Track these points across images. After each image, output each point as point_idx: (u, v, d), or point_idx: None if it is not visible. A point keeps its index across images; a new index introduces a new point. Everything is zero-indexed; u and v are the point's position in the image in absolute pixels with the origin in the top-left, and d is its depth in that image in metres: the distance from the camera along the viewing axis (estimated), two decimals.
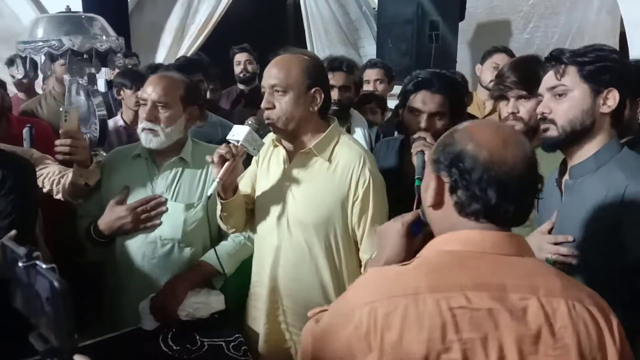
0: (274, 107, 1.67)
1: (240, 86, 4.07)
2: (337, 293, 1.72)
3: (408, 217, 1.21)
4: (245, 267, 2.00)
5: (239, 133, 1.66)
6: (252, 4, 6.72)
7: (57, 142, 1.92)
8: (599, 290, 1.39)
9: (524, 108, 1.88)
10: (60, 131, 1.94)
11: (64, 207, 2.18)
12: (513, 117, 1.90)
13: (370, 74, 3.35)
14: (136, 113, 3.09)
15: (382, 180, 1.75)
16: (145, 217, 1.90)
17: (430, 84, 1.94)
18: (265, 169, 1.84)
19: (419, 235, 1.21)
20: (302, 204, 1.73)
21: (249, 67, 4.04)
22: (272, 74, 1.68)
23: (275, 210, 1.77)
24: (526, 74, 1.86)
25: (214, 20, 6.09)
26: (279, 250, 1.77)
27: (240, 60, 4.04)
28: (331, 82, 2.26)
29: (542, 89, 1.53)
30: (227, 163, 1.64)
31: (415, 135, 1.90)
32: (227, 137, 1.69)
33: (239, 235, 2.01)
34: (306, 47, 6.60)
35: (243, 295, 1.98)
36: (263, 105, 1.68)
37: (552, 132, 1.48)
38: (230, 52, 4.13)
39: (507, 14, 4.72)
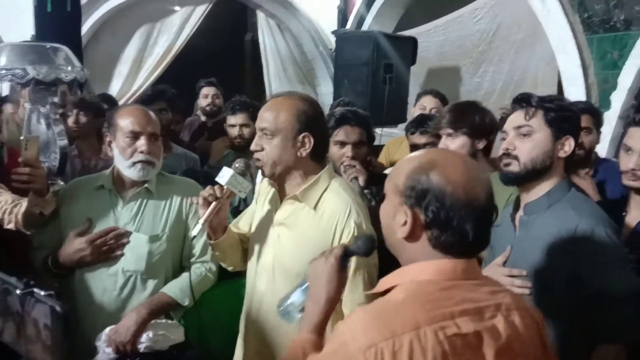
0: (262, 149, 1.66)
1: (204, 119, 4.11)
2: None
3: (337, 251, 1.25)
4: (206, 299, 2.01)
5: (223, 176, 1.66)
6: (210, 38, 6.82)
7: (15, 170, 1.90)
8: (558, 316, 1.53)
9: (452, 145, 2.13)
10: (19, 159, 1.92)
11: (16, 237, 2.13)
12: None
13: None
14: (89, 140, 3.08)
15: (370, 233, 1.69)
16: (106, 249, 1.88)
17: (349, 120, 2.29)
18: (261, 208, 1.83)
19: (347, 265, 1.26)
20: (286, 251, 1.70)
21: (216, 101, 4.10)
22: (263, 117, 1.67)
23: (263, 254, 1.76)
24: (456, 115, 2.15)
25: (173, 53, 6.13)
26: (264, 296, 1.75)
27: (208, 94, 4.11)
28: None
29: (507, 127, 1.67)
30: (211, 205, 1.64)
31: (346, 164, 2.25)
32: (216, 179, 1.68)
33: (200, 266, 2.02)
34: (263, 84, 6.74)
35: (203, 327, 1.98)
36: (252, 147, 1.69)
37: (514, 168, 1.61)
38: (196, 86, 4.19)
39: (457, 59, 5.01)
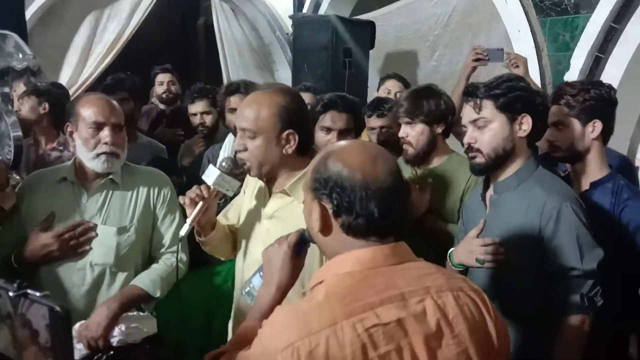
0: (245, 149, 1.61)
1: (161, 106, 4.01)
2: None
3: (292, 237, 1.23)
4: (177, 291, 1.98)
5: (210, 175, 1.62)
6: (162, 24, 6.63)
7: None
8: (523, 290, 1.59)
9: (412, 132, 2.17)
10: None
11: None
12: (404, 140, 2.19)
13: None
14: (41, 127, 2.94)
15: None
16: (74, 244, 1.83)
17: (336, 105, 2.22)
18: (249, 201, 1.79)
19: (302, 254, 1.25)
20: None
21: (172, 88, 4.00)
22: (243, 116, 1.61)
23: (252, 248, 1.74)
24: (412, 104, 2.18)
25: (123, 39, 5.90)
26: None
27: (163, 81, 4.00)
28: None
29: (464, 121, 1.71)
30: (198, 205, 1.60)
31: None
32: (203, 177, 1.64)
33: (171, 257, 1.99)
34: (220, 70, 6.62)
35: (176, 319, 1.95)
36: (235, 147, 1.64)
37: (480, 160, 1.66)
38: (151, 73, 4.07)
39: (414, 43, 5.05)
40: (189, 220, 1.61)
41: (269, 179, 1.68)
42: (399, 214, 1.07)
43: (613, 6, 3.04)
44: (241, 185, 1.87)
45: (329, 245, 1.10)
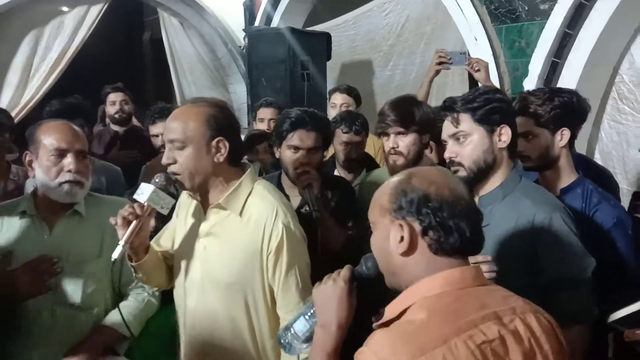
0: (175, 162, 1.57)
1: (115, 127, 3.82)
2: (259, 355, 1.65)
3: (345, 273, 1.20)
4: (152, 328, 1.85)
5: (143, 192, 1.54)
6: (107, 41, 6.39)
7: None
8: None
9: (403, 143, 2.09)
10: None
11: None
12: (394, 151, 2.11)
13: (265, 113, 3.38)
14: None
15: (299, 232, 1.67)
16: (38, 281, 1.67)
17: (304, 123, 2.12)
18: (183, 223, 1.72)
19: (353, 289, 1.20)
20: (215, 262, 1.63)
21: (125, 107, 3.81)
22: (170, 128, 1.58)
23: (190, 269, 1.67)
24: (403, 113, 2.09)
25: (67, 57, 5.64)
26: (195, 314, 1.66)
27: (115, 100, 3.80)
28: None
29: (444, 135, 1.68)
30: (132, 225, 1.51)
31: (299, 170, 2.10)
32: (134, 196, 1.56)
33: (142, 292, 1.86)
34: (168, 85, 6.44)
35: (152, 358, 1.82)
36: (164, 161, 1.58)
37: (462, 173, 1.63)
38: (102, 92, 3.87)
39: (368, 53, 5.06)
40: (122, 241, 1.51)
41: (203, 194, 1.64)
42: (482, 233, 1.09)
43: (567, 12, 3.12)
44: (173, 208, 1.79)
45: (407, 269, 1.07)
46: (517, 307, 1.03)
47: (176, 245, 1.73)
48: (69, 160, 1.73)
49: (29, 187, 2.49)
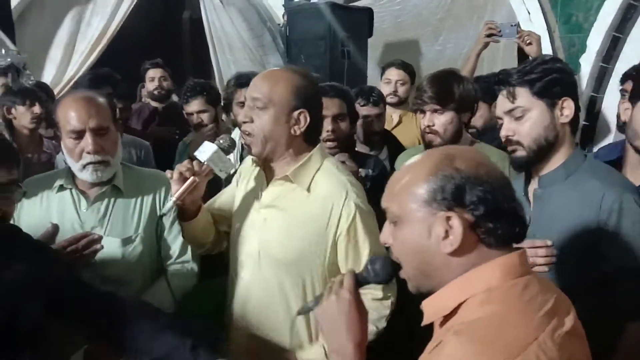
0: (252, 121, 1.51)
1: (154, 104, 3.80)
2: (311, 338, 1.58)
3: (348, 282, 1.06)
4: (186, 302, 1.81)
5: (205, 151, 1.50)
6: (147, 19, 6.39)
7: None
8: (576, 295, 1.43)
9: (439, 121, 1.98)
10: None
11: None
12: (429, 130, 2.00)
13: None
14: (31, 133, 2.76)
15: (371, 212, 1.56)
16: (78, 258, 1.64)
17: (325, 91, 2.09)
18: (243, 190, 1.66)
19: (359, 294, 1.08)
20: (274, 237, 1.56)
21: (164, 84, 3.79)
22: (256, 86, 1.52)
23: (247, 240, 1.61)
24: (441, 89, 1.98)
25: (108, 35, 5.67)
26: (249, 287, 1.61)
27: (154, 77, 3.79)
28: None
29: (499, 112, 1.55)
30: (187, 182, 1.46)
31: (328, 145, 2.11)
32: (195, 153, 1.51)
33: (181, 267, 1.81)
34: (206, 64, 6.41)
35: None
36: (241, 118, 1.55)
37: (521, 153, 1.50)
38: (141, 68, 3.85)
39: (415, 29, 4.87)
40: (174, 197, 1.47)
41: (268, 163, 1.57)
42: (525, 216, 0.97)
43: None
44: (233, 175, 1.72)
45: (451, 269, 0.91)
46: (563, 299, 0.94)
47: (235, 214, 1.67)
48: (87, 142, 1.64)
49: (59, 161, 2.49)
